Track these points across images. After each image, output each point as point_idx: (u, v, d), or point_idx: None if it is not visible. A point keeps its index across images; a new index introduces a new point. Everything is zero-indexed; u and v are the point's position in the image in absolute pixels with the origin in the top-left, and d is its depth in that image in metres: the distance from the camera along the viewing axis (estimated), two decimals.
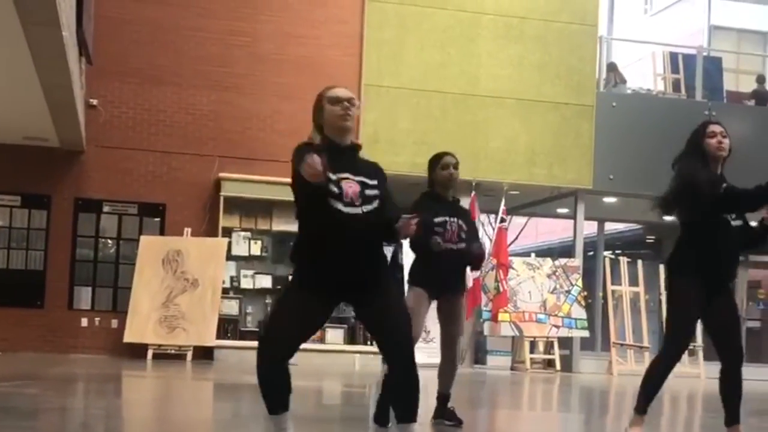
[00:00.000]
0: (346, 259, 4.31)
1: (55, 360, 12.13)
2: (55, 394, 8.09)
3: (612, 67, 16.12)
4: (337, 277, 4.31)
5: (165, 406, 7.90)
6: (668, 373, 5.47)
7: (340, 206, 4.30)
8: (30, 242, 13.64)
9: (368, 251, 4.39)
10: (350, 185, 4.35)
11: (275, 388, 4.36)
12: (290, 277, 4.63)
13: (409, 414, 4.56)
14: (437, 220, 5.87)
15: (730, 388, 5.41)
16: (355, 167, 4.43)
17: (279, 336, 4.37)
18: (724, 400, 5.45)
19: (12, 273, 13.53)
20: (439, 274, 5.83)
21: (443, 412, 6.17)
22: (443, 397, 6.20)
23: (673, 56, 16.78)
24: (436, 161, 6.22)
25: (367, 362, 13.48)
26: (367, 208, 4.35)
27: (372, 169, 4.50)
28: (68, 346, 13.39)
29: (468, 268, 6.36)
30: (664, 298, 15.09)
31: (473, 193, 14.36)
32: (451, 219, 5.95)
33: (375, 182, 4.43)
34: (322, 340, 13.41)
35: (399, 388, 4.63)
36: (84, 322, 13.59)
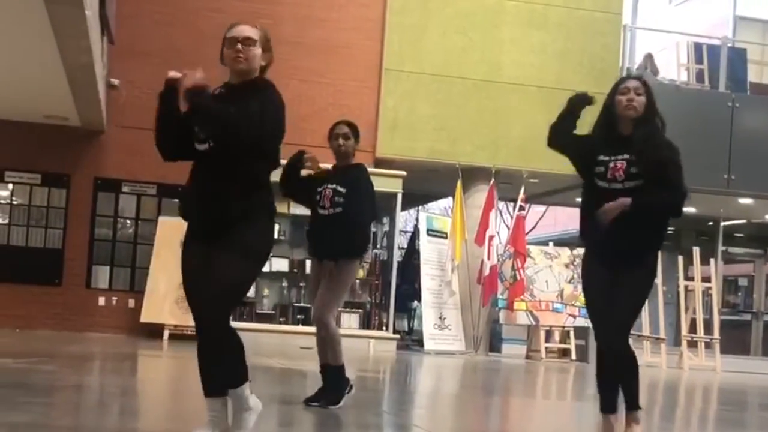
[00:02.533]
0: (197, 195, 4.36)
1: (71, 338, 12.20)
2: (71, 371, 8.13)
3: (648, 56, 15.99)
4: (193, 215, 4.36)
5: (180, 386, 7.93)
6: (600, 366, 5.08)
7: (197, 145, 4.38)
8: (49, 220, 13.71)
9: (218, 187, 4.25)
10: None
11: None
12: None
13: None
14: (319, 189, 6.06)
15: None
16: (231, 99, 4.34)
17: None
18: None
19: (31, 251, 13.61)
20: (313, 240, 6.11)
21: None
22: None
23: (698, 46, 16.62)
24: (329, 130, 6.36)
25: (381, 347, 13.49)
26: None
27: (245, 99, 4.33)
28: (85, 324, 13.46)
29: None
30: (682, 289, 15.04)
31: (492, 181, 14.31)
32: (329, 186, 6.05)
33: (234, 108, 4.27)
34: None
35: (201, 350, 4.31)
36: (101, 301, 13.66)
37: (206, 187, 4.26)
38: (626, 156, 4.99)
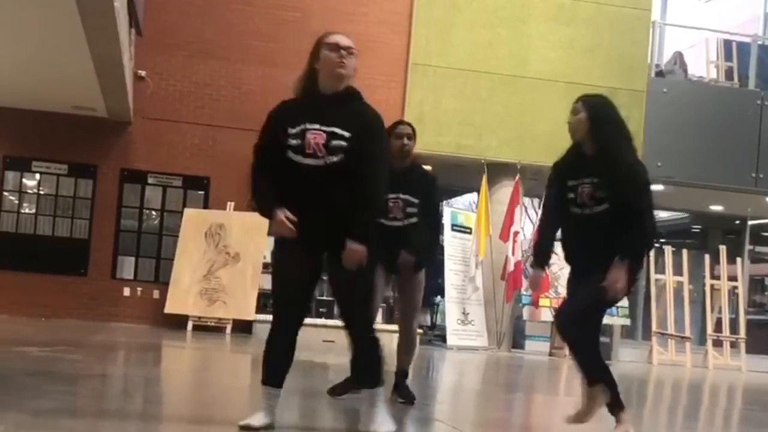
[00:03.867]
0: (308, 210, 4.30)
1: (96, 328, 12.28)
2: (96, 360, 8.18)
3: (678, 54, 15.87)
4: (303, 228, 4.29)
5: (203, 377, 7.96)
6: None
7: (299, 158, 4.33)
8: (76, 211, 13.80)
9: (331, 203, 4.32)
10: (314, 135, 4.35)
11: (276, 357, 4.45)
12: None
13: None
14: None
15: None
16: (330, 117, 4.38)
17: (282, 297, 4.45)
18: None
19: (57, 240, 13.71)
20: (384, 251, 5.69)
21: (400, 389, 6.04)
22: (402, 373, 6.10)
23: (727, 44, 16.47)
24: (389, 131, 5.87)
25: None
26: (331, 159, 4.32)
27: (354, 121, 4.39)
28: (110, 314, 13.55)
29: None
30: (708, 288, 14.92)
31: (517, 176, 14.25)
32: (400, 195, 5.78)
33: (348, 134, 4.35)
34: None
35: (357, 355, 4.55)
36: (126, 291, 13.74)
37: (317, 195, 4.33)
38: (591, 179, 4.90)
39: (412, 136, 5.99)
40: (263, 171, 4.47)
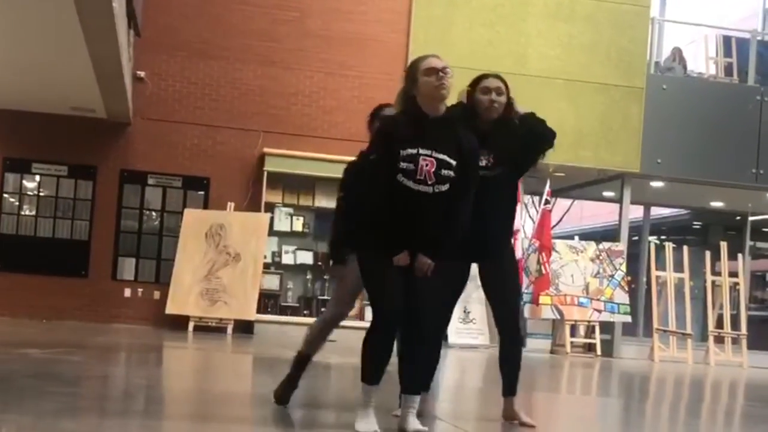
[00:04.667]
0: (408, 230, 4.48)
1: (98, 329, 12.29)
2: (97, 362, 8.19)
3: (677, 50, 15.85)
4: (396, 243, 4.51)
5: (205, 378, 7.96)
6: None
7: (410, 184, 4.46)
8: (76, 212, 13.80)
9: (431, 227, 4.51)
10: (427, 162, 4.48)
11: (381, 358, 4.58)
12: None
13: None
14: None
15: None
16: (440, 143, 4.53)
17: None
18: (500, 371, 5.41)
19: (58, 242, 13.71)
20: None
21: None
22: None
23: (726, 40, 16.45)
24: (376, 113, 5.80)
25: None
26: (439, 188, 4.50)
27: (459, 146, 4.58)
28: (111, 315, 13.56)
29: None
30: (709, 284, 14.92)
31: None
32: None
33: (455, 162, 4.53)
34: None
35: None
36: (127, 292, 13.75)
37: (423, 219, 4.54)
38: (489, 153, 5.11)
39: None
40: (384, 198, 4.50)
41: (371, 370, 4.59)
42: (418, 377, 4.70)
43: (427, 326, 4.62)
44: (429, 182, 4.47)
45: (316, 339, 5.55)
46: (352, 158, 5.71)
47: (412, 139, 4.51)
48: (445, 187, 4.51)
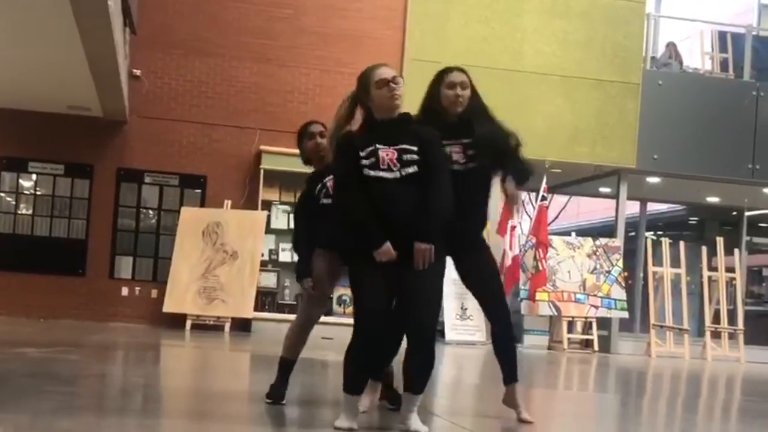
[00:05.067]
0: (394, 218, 4.51)
1: (95, 328, 12.28)
2: (94, 361, 8.18)
3: (672, 45, 15.86)
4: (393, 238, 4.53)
5: (202, 376, 7.96)
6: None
7: (376, 173, 4.56)
8: (72, 211, 13.79)
9: (409, 212, 4.53)
10: (386, 152, 4.59)
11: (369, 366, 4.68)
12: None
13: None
14: (317, 187, 5.60)
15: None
16: (395, 138, 4.63)
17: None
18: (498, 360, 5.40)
19: (55, 241, 13.70)
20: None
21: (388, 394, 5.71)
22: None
23: (722, 35, 16.46)
24: (302, 133, 5.80)
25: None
26: (406, 170, 4.57)
27: (416, 136, 4.65)
28: (108, 314, 13.55)
29: None
30: (706, 280, 14.94)
31: None
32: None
33: (415, 148, 4.60)
34: None
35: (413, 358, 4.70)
36: (124, 291, 13.74)
37: (400, 205, 4.60)
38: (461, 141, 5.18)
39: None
40: (358, 197, 4.57)
41: (354, 381, 4.61)
42: (423, 376, 4.68)
43: (427, 323, 4.62)
44: (394, 168, 4.57)
45: (296, 343, 5.59)
46: None
47: (368, 140, 4.64)
48: (412, 169, 4.57)
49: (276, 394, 5.47)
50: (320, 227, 5.45)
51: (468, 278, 5.34)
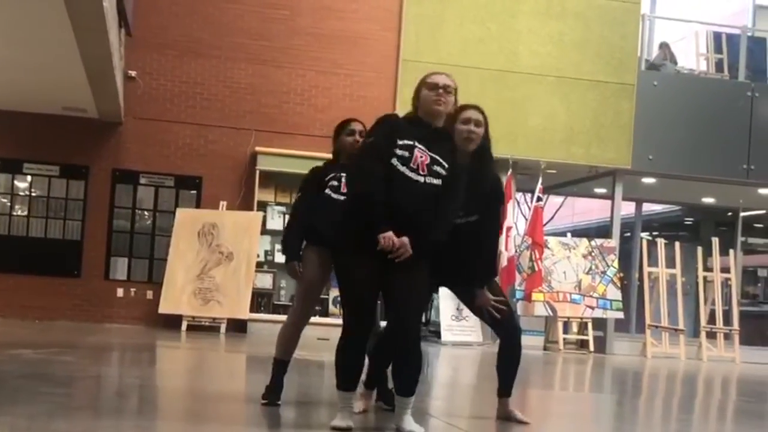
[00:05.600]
0: (393, 217, 4.51)
1: (90, 329, 12.27)
2: (90, 362, 8.17)
3: (665, 46, 15.88)
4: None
5: (198, 377, 7.96)
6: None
7: (404, 170, 4.57)
8: (68, 212, 13.77)
9: (418, 220, 4.55)
10: (422, 154, 4.62)
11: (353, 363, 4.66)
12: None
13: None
14: (327, 178, 5.53)
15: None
16: (434, 145, 4.67)
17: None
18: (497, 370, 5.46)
19: (50, 242, 13.68)
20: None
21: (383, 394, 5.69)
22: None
23: (717, 36, 16.50)
24: (342, 127, 5.71)
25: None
26: (430, 180, 4.61)
27: (450, 158, 4.70)
28: (104, 315, 13.54)
29: None
30: (701, 280, 14.96)
31: (510, 172, 14.26)
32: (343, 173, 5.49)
33: (447, 165, 4.65)
34: None
35: (399, 360, 4.77)
36: (120, 292, 13.72)
37: (415, 215, 4.61)
38: None
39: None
40: (380, 170, 4.55)
41: (346, 377, 4.64)
42: (410, 378, 4.68)
43: (410, 324, 4.65)
44: (421, 173, 4.59)
45: (289, 344, 5.60)
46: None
47: (411, 134, 4.66)
48: (437, 181, 4.61)
49: (271, 395, 5.47)
50: (316, 222, 5.44)
51: (470, 303, 5.36)
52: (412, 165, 4.57)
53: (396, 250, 4.49)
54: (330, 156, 5.78)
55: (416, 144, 4.62)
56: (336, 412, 4.69)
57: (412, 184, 4.56)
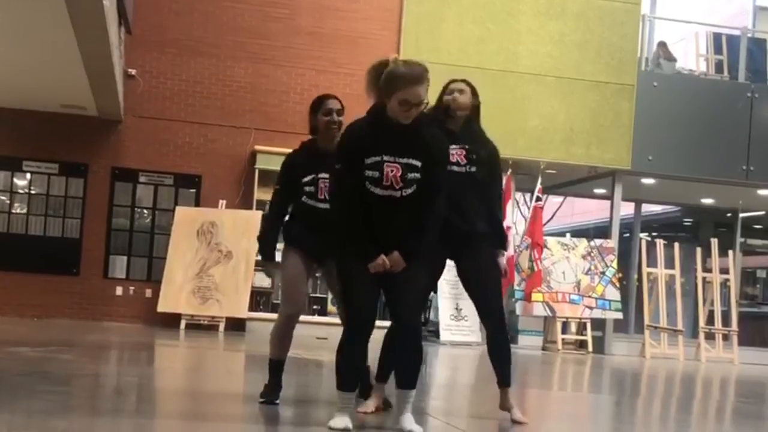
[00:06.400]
0: (384, 235, 4.50)
1: (89, 327, 12.27)
2: (89, 360, 8.17)
3: (662, 45, 15.88)
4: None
5: (197, 376, 7.95)
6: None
7: (378, 191, 4.48)
8: (67, 210, 13.78)
9: (400, 230, 4.53)
10: (392, 168, 4.50)
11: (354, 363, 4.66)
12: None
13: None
14: (305, 179, 5.38)
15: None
16: (403, 148, 4.54)
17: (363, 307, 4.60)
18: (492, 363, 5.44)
19: (49, 240, 13.68)
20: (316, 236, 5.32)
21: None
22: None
23: (717, 37, 16.50)
24: (318, 105, 5.52)
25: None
26: (406, 191, 4.52)
27: (424, 150, 4.57)
28: (102, 314, 13.54)
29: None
30: (700, 281, 14.96)
31: (509, 171, 14.26)
32: (321, 175, 5.33)
33: (420, 163, 4.54)
34: None
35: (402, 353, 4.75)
36: (119, 290, 13.72)
37: (391, 223, 4.56)
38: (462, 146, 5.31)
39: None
40: (358, 214, 4.52)
41: (347, 378, 4.63)
42: (411, 371, 4.69)
43: (411, 317, 4.64)
44: (397, 187, 4.51)
45: (281, 343, 5.57)
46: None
47: (375, 147, 4.53)
48: (411, 189, 4.54)
49: (270, 394, 5.46)
50: (296, 232, 5.41)
51: (465, 280, 5.36)
52: (385, 183, 4.49)
53: (390, 269, 4.51)
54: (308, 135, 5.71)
55: (384, 158, 4.50)
56: (334, 411, 4.68)
57: (389, 202, 4.51)
